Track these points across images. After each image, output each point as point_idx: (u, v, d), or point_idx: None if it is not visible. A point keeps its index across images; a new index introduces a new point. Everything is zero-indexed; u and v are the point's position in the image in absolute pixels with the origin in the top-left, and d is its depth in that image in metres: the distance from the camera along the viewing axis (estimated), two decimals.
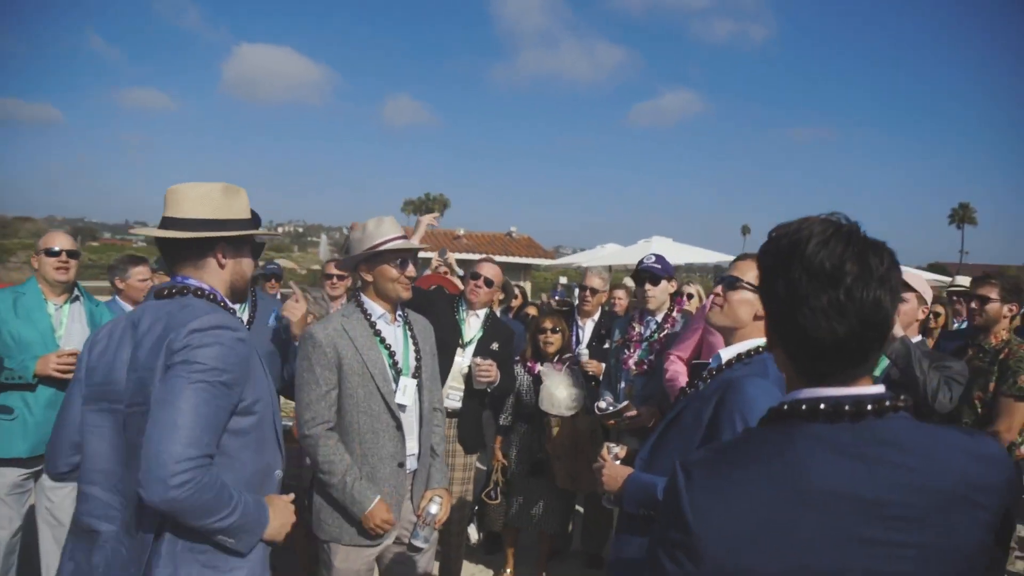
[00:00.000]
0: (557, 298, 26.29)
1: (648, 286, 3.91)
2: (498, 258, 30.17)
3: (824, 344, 1.10)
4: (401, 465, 2.71)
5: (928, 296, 3.32)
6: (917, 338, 3.27)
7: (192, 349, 1.68)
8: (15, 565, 3.44)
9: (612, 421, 3.56)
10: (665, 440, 2.29)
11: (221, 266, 1.93)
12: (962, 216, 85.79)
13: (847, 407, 1.09)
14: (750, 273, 2.21)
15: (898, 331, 3.12)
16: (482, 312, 4.07)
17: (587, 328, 4.95)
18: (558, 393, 4.07)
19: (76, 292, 3.62)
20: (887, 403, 1.10)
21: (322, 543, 2.71)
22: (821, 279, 1.09)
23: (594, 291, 4.94)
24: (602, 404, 3.83)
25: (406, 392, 2.75)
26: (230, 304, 1.94)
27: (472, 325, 4.04)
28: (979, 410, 3.36)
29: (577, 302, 5.14)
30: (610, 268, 19.24)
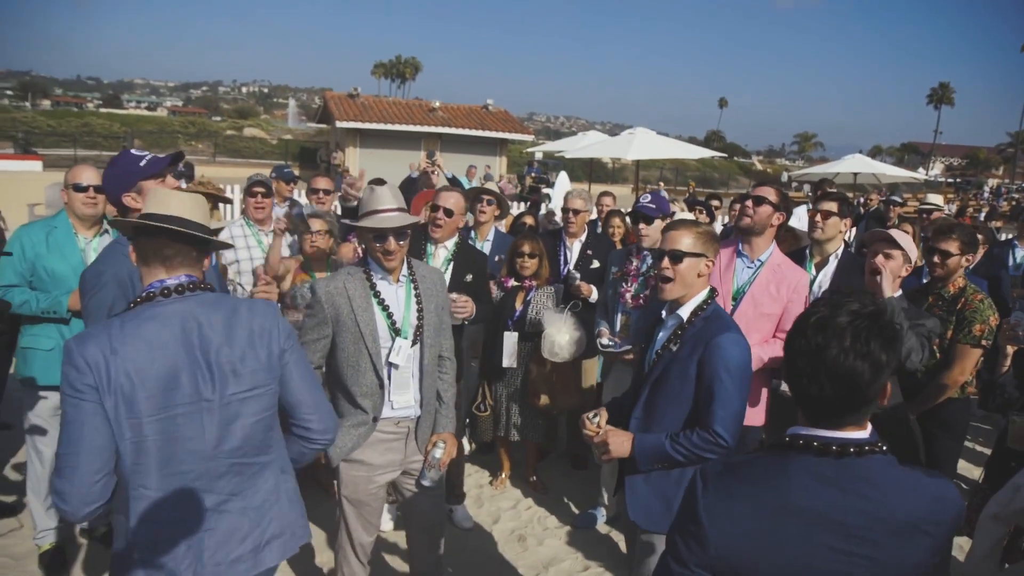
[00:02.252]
0: (534, 175, 26.01)
1: (643, 225, 3.98)
2: (474, 132, 29.36)
3: (809, 398, 1.42)
4: (375, 420, 2.85)
5: (913, 255, 3.45)
6: (898, 293, 3.41)
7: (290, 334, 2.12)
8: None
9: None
10: (656, 400, 2.65)
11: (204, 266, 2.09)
12: (941, 96, 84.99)
13: (834, 447, 1.40)
14: (686, 239, 2.61)
15: (887, 291, 3.25)
16: (450, 243, 4.05)
17: (574, 248, 5.02)
18: (560, 339, 4.19)
19: (104, 225, 3.62)
20: (866, 448, 1.40)
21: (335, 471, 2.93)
22: (811, 349, 1.39)
23: (577, 212, 4.99)
24: (604, 340, 4.00)
25: (399, 353, 2.84)
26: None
27: (439, 257, 4.02)
28: (937, 355, 3.57)
29: (562, 224, 5.17)
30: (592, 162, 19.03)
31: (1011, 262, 6.20)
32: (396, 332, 2.84)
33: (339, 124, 27.40)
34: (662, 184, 33.61)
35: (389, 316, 2.84)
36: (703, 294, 2.64)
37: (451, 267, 3.99)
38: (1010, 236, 6.53)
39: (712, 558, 1.41)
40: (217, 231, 3.39)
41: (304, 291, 4.19)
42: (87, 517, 1.82)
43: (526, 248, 4.46)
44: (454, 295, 3.81)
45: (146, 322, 1.84)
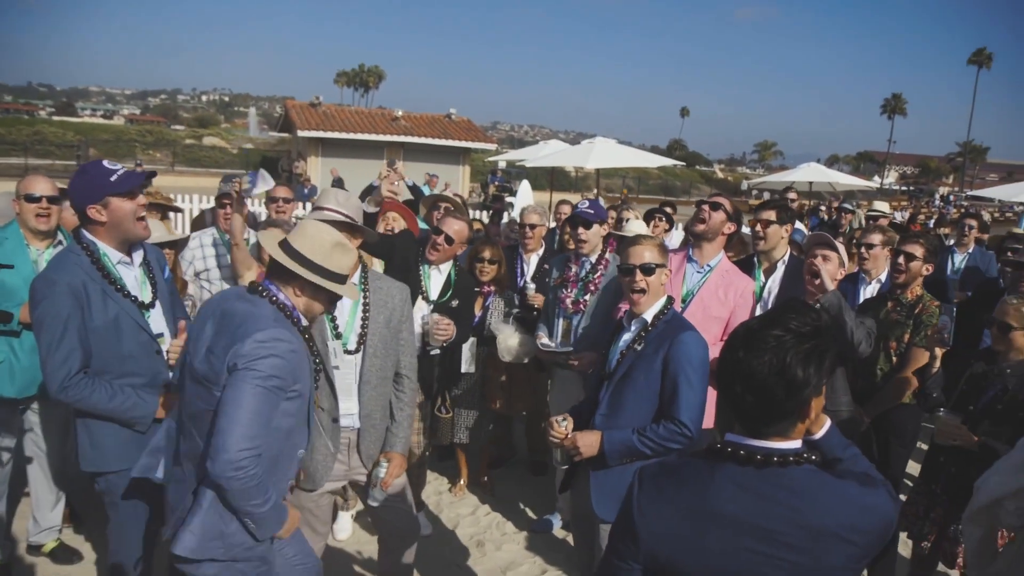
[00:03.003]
0: (497, 183, 25.94)
1: (581, 230, 4.02)
2: (437, 141, 29.24)
3: (734, 407, 1.48)
4: (335, 420, 2.87)
5: (846, 261, 3.70)
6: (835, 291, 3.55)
7: (255, 359, 2.11)
8: (6, 493, 3.65)
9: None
10: (621, 398, 2.79)
11: (297, 295, 2.33)
12: (894, 107, 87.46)
13: (757, 456, 1.45)
14: (649, 253, 2.87)
15: (830, 285, 3.42)
16: (445, 267, 4.12)
17: (531, 262, 5.10)
18: (511, 342, 4.25)
19: (59, 236, 3.55)
20: (791, 458, 1.44)
21: None
22: (735, 359, 1.45)
23: (534, 226, 5.05)
24: (545, 340, 4.05)
25: (336, 357, 2.88)
26: (303, 322, 2.36)
27: (436, 282, 4.09)
28: (893, 358, 3.72)
29: (518, 239, 5.23)
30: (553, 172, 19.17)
31: (950, 268, 6.45)
32: (337, 336, 2.88)
33: (301, 133, 27.16)
34: (625, 191, 33.98)
35: (332, 320, 2.87)
36: (663, 300, 2.88)
37: (445, 290, 4.08)
38: (950, 243, 6.79)
39: (643, 555, 1.49)
40: (178, 242, 3.46)
41: None
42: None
43: (486, 254, 4.50)
44: (436, 316, 3.88)
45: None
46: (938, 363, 3.42)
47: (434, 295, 4.07)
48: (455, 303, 4.09)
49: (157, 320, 2.85)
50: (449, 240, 3.99)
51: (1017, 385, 3.08)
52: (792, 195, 9.51)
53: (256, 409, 2.09)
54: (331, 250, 2.32)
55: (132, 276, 2.78)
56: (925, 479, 3.41)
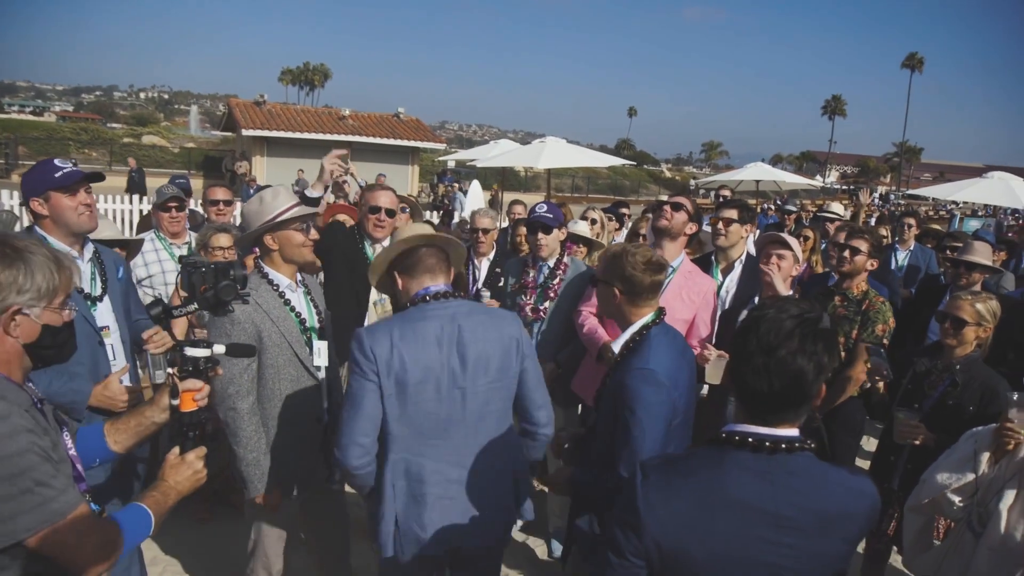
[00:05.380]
0: (447, 184, 25.86)
1: (540, 235, 3.96)
2: (385, 141, 29.01)
3: (755, 394, 1.48)
4: (319, 420, 2.88)
5: (801, 257, 3.72)
6: (789, 292, 3.58)
7: None
8: None
9: None
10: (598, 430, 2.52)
11: None
12: (834, 108, 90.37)
13: (767, 443, 1.48)
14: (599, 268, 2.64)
15: (782, 288, 3.45)
16: (384, 239, 4.03)
17: (483, 267, 5.00)
18: None
19: None
20: (796, 444, 1.49)
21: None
22: (763, 347, 1.46)
23: (486, 231, 4.96)
24: None
25: (320, 354, 2.88)
26: None
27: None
28: (842, 354, 3.73)
29: (470, 243, 5.14)
30: (503, 173, 19.16)
31: (893, 264, 6.62)
32: (313, 334, 2.87)
33: (245, 132, 26.51)
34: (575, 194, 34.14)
35: (301, 322, 2.84)
36: (638, 324, 2.46)
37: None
38: (893, 241, 6.98)
39: (648, 546, 1.47)
40: (130, 243, 3.60)
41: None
42: (356, 469, 2.27)
43: None
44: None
45: (419, 322, 2.30)
46: (883, 389, 3.47)
47: None
48: None
49: (104, 314, 2.93)
50: (390, 213, 3.97)
51: (967, 379, 3.13)
52: (726, 193, 9.58)
53: None
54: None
55: (81, 270, 2.82)
56: (877, 477, 3.45)
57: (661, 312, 2.50)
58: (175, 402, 1.97)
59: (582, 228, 5.05)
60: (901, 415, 3.16)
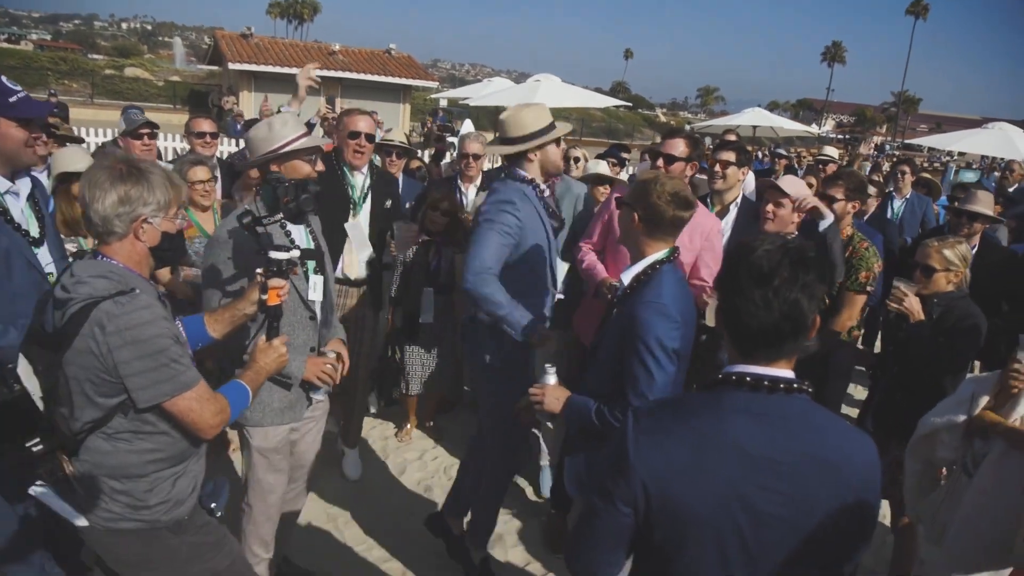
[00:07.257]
0: (439, 123, 25.41)
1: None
2: (376, 78, 28.30)
3: (751, 329, 1.43)
4: (313, 350, 2.86)
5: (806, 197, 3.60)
6: (794, 234, 3.53)
7: None
8: None
9: None
10: (590, 365, 2.58)
11: None
12: (834, 54, 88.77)
13: (765, 383, 1.43)
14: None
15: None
16: (365, 169, 3.99)
17: (470, 193, 4.95)
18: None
19: None
20: (794, 385, 1.44)
21: (241, 428, 2.81)
22: (757, 278, 1.40)
23: (476, 156, 4.90)
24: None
25: (316, 289, 2.83)
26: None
27: (358, 182, 3.96)
28: (826, 301, 3.71)
29: (460, 168, 5.06)
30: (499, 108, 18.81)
31: (890, 212, 6.58)
32: (310, 268, 2.82)
33: (231, 66, 25.81)
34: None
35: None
36: (651, 258, 2.37)
37: (370, 194, 3.98)
38: (889, 189, 6.91)
39: (636, 492, 1.43)
40: None
41: (197, 247, 3.92)
42: None
43: (444, 205, 4.40)
44: (402, 224, 3.96)
45: None
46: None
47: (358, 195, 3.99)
48: (388, 203, 4.10)
49: (44, 258, 2.68)
50: (370, 138, 3.89)
51: (943, 311, 3.21)
52: (732, 137, 9.47)
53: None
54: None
55: (19, 210, 2.59)
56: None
57: (675, 251, 2.40)
58: (264, 297, 2.29)
59: (603, 168, 5.00)
60: (901, 284, 3.25)
